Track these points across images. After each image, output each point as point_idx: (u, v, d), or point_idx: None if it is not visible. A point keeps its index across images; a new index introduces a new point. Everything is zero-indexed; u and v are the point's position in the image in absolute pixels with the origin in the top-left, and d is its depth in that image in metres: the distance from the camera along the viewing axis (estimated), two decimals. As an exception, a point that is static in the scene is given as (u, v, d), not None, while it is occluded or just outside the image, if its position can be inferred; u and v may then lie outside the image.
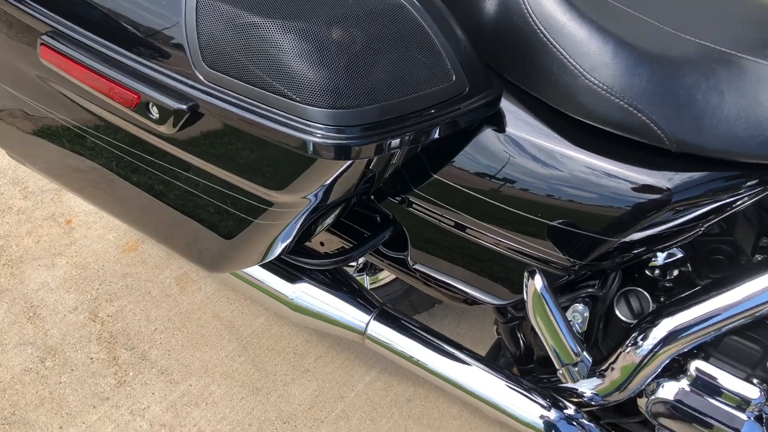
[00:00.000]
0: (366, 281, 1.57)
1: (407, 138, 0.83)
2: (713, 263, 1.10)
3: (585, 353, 1.04)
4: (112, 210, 1.22)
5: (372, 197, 1.12)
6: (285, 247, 1.05)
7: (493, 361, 1.26)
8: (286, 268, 1.22)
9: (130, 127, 0.97)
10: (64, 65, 0.90)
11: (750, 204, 1.15)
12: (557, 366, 1.05)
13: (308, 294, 1.20)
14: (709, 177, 0.89)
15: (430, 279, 1.15)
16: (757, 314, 0.99)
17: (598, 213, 0.93)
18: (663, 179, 0.89)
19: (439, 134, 0.87)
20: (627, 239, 0.94)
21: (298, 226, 1.01)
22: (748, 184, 0.89)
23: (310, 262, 1.15)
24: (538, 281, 0.97)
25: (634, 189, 0.90)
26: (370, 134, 0.80)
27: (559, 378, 1.14)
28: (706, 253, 1.11)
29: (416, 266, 1.14)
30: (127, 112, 0.88)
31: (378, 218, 1.18)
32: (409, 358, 1.17)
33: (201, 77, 0.82)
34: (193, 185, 0.98)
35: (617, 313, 1.12)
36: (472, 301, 1.17)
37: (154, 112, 0.86)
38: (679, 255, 1.09)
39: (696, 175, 0.89)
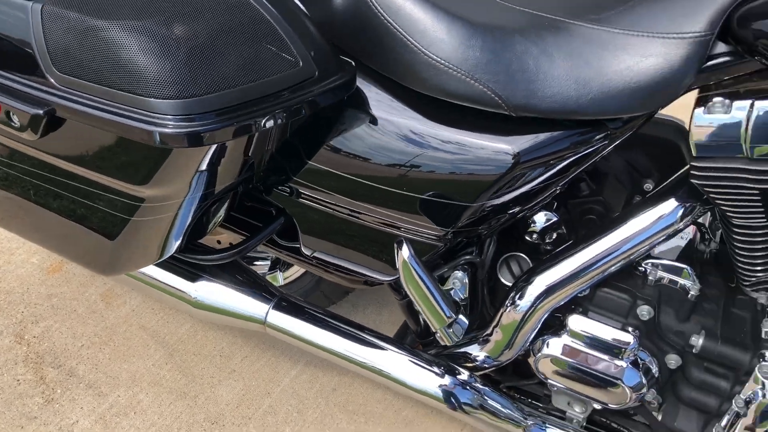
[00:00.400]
0: (279, 277, 1.61)
1: (261, 121, 0.88)
2: (586, 223, 1.16)
3: (461, 316, 1.09)
4: (11, 227, 1.24)
5: (261, 189, 1.16)
6: (178, 244, 1.08)
7: (399, 339, 1.31)
8: (185, 267, 1.25)
9: (3, 140, 0.99)
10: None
11: (620, 163, 1.22)
12: (433, 329, 1.10)
13: (208, 290, 1.24)
14: (551, 137, 0.95)
15: (325, 263, 1.20)
16: (620, 264, 1.05)
17: (455, 181, 0.98)
18: (508, 143, 0.95)
19: (294, 116, 0.91)
20: (488, 204, 0.99)
21: (185, 222, 1.04)
22: (589, 140, 0.95)
23: (205, 258, 1.19)
24: (405, 251, 1.01)
25: (483, 155, 0.96)
26: (221, 119, 0.84)
27: (452, 345, 1.19)
28: (579, 214, 1.17)
29: (309, 252, 1.18)
30: (-7, 123, 0.92)
31: (269, 209, 1.22)
32: (311, 342, 1.21)
33: (53, 82, 0.86)
34: (70, 190, 1.01)
35: (500, 278, 1.18)
36: (370, 282, 1.22)
37: (16, 120, 0.89)
38: (554, 218, 1.15)
39: (538, 136, 0.95)
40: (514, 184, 0.98)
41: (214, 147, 0.92)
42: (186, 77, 0.82)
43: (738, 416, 1.03)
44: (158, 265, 1.26)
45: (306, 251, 1.19)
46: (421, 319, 1.27)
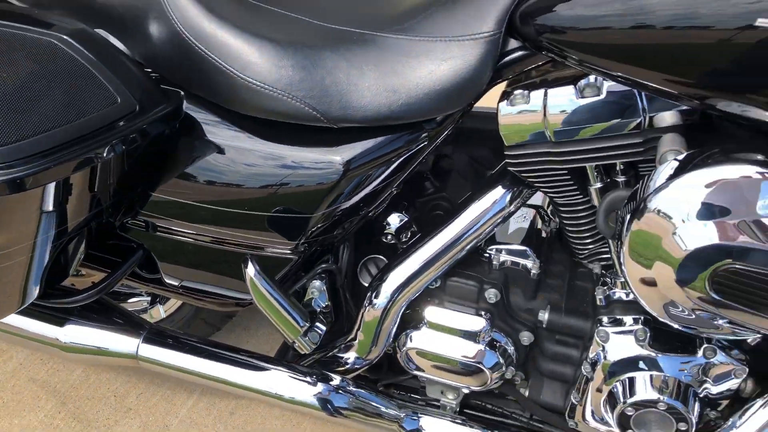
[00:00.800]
0: (161, 310, 1.61)
1: (84, 158, 0.89)
2: (434, 218, 1.22)
3: (317, 323, 1.13)
4: None
5: (115, 225, 1.17)
6: (38, 288, 1.08)
7: (280, 357, 1.33)
8: (51, 312, 1.24)
9: None
10: None
11: (463, 158, 1.29)
12: (289, 341, 1.13)
13: (77, 333, 1.23)
14: (375, 143, 1.00)
15: (189, 291, 1.22)
16: (463, 252, 1.11)
17: (293, 195, 1.02)
18: (334, 154, 0.99)
19: (121, 149, 0.93)
20: (328, 212, 1.04)
21: (41, 264, 1.04)
22: (410, 142, 1.01)
23: (68, 300, 1.18)
24: (250, 268, 1.05)
25: (314, 168, 1.00)
26: (39, 162, 0.86)
27: (332, 353, 1.23)
28: (428, 211, 1.23)
29: (171, 282, 1.20)
30: None
31: (129, 244, 1.22)
32: (187, 370, 1.22)
33: None
34: None
35: (361, 281, 1.23)
36: (240, 303, 1.24)
37: None
38: (406, 218, 1.20)
39: (362, 144, 1.00)
40: (349, 191, 1.03)
41: (52, 187, 0.93)
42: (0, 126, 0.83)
43: (588, 380, 1.11)
44: (24, 313, 1.25)
45: (169, 281, 1.20)
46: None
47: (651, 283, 0.89)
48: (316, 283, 1.17)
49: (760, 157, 0.83)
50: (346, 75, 0.96)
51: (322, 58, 0.96)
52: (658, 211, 0.83)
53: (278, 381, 1.20)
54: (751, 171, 0.81)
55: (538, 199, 1.23)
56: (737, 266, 0.82)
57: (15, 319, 1.26)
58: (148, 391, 1.66)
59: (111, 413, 1.62)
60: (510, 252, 1.16)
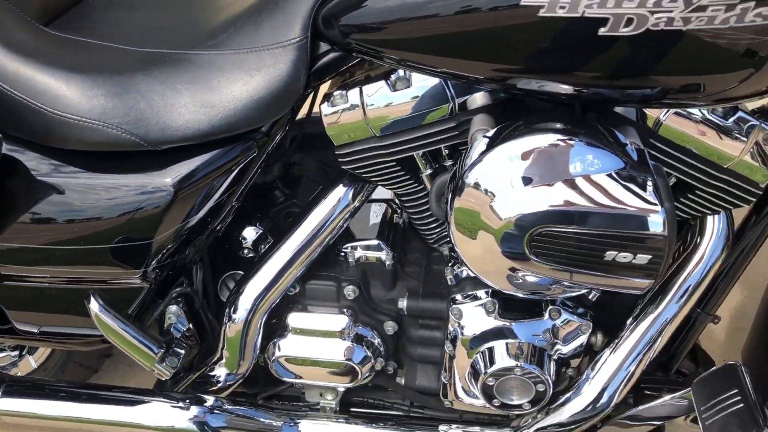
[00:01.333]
0: (31, 361, 1.54)
1: None
2: (289, 226, 1.24)
3: (174, 347, 1.12)
4: None
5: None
6: None
7: (158, 387, 1.31)
8: None
9: None
10: None
11: (312, 164, 1.31)
12: (147, 368, 1.12)
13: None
14: (204, 160, 1.00)
15: (47, 335, 1.18)
16: (315, 253, 1.13)
17: (129, 222, 1.01)
18: (162, 176, 0.99)
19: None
20: (166, 235, 1.03)
21: None
22: (240, 154, 1.02)
23: None
24: (93, 304, 1.03)
25: (145, 192, 0.99)
26: None
27: (204, 374, 1.22)
28: (282, 219, 1.25)
29: (27, 329, 1.16)
30: None
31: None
32: (53, 417, 1.19)
33: None
34: None
35: (222, 298, 1.23)
36: (104, 340, 1.21)
37: None
38: (261, 230, 1.21)
39: (190, 162, 0.99)
40: (186, 211, 1.02)
41: None
42: None
43: (452, 358, 1.15)
44: None
45: (24, 329, 1.16)
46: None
47: (480, 256, 0.93)
48: (173, 308, 1.16)
49: (559, 125, 0.89)
50: (161, 96, 0.95)
51: (134, 83, 0.95)
52: (474, 185, 0.88)
53: (153, 412, 1.18)
54: (552, 139, 0.87)
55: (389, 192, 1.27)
56: (549, 229, 0.87)
57: None
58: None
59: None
60: (364, 247, 1.19)
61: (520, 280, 0.95)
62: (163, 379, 1.15)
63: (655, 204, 0.84)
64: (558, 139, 0.87)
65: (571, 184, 0.85)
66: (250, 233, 1.21)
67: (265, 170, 1.19)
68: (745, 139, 0.92)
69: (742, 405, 0.94)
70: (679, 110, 0.92)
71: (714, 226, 1.06)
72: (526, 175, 0.87)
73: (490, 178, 0.88)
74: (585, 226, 0.86)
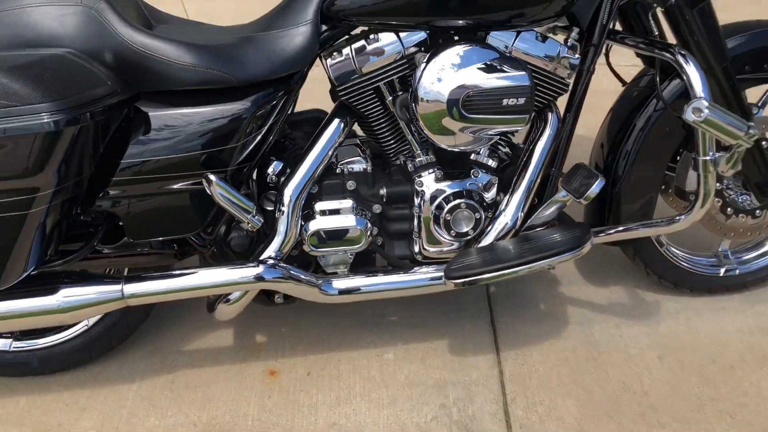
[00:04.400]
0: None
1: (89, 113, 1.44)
2: (305, 154, 1.89)
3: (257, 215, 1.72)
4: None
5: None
6: (53, 247, 1.55)
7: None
8: (35, 287, 1.63)
9: None
10: None
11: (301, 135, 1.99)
12: (246, 219, 1.70)
13: (67, 295, 1.63)
14: (262, 94, 1.67)
15: (149, 245, 1.73)
16: (323, 166, 1.81)
17: (220, 136, 1.64)
18: (243, 104, 1.64)
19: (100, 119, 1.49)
20: (245, 142, 1.67)
21: (53, 221, 1.51)
22: (285, 88, 1.70)
23: (64, 261, 1.62)
24: (211, 179, 1.61)
25: (231, 114, 1.64)
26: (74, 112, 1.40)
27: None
28: (294, 154, 1.90)
29: (134, 239, 1.70)
30: None
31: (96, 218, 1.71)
32: (168, 291, 1.69)
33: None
34: None
35: (263, 206, 1.84)
36: (181, 251, 1.77)
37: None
38: (281, 164, 1.86)
39: (258, 94, 1.67)
40: (257, 125, 1.68)
41: (69, 137, 1.45)
42: None
43: (419, 216, 1.84)
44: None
45: (132, 239, 1.70)
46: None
47: (439, 127, 1.67)
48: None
49: (466, 42, 1.68)
50: (241, 50, 1.64)
51: (223, 42, 1.64)
52: (426, 86, 1.64)
53: (235, 273, 1.72)
54: (458, 50, 1.66)
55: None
56: (470, 93, 1.64)
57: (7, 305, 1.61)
58: (96, 388, 1.97)
59: (66, 417, 1.90)
60: (352, 162, 1.88)
61: (463, 138, 1.70)
62: (251, 228, 1.72)
63: (522, 71, 1.65)
64: (463, 49, 1.66)
65: (475, 68, 1.63)
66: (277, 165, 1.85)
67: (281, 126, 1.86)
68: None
69: (585, 170, 1.74)
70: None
71: (550, 116, 1.88)
72: (450, 72, 1.64)
73: (431, 79, 1.64)
74: (488, 87, 1.64)
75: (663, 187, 2.10)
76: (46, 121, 1.37)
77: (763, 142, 2.01)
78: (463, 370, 2.01)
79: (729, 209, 2.10)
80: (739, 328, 2.16)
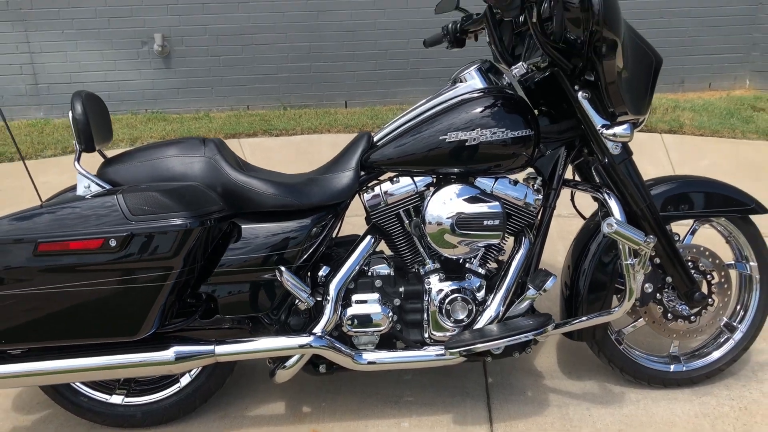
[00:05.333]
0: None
1: (212, 219, 2.23)
2: (344, 260, 2.63)
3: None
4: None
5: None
6: (172, 311, 2.25)
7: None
8: (152, 344, 2.32)
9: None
10: None
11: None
12: (303, 300, 2.39)
13: (178, 351, 2.32)
14: (318, 215, 2.45)
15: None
16: (357, 269, 2.55)
17: (287, 245, 2.40)
18: (305, 221, 2.42)
19: (209, 224, 2.27)
20: (304, 248, 2.42)
21: (174, 291, 2.24)
22: (333, 214, 2.48)
23: (179, 324, 2.32)
24: (284, 271, 2.34)
25: (294, 228, 2.41)
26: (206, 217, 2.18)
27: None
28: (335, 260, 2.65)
29: (227, 316, 2.42)
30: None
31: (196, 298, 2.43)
32: (247, 352, 2.36)
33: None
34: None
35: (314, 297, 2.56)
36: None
37: (113, 243, 2.08)
38: (328, 268, 2.60)
39: (314, 216, 2.45)
40: (314, 238, 2.44)
41: (197, 236, 2.22)
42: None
43: (428, 308, 2.52)
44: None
45: (223, 315, 2.41)
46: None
47: (442, 242, 2.42)
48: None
49: (460, 183, 2.46)
50: (304, 186, 2.44)
51: (293, 181, 2.44)
52: (430, 215, 2.41)
53: (294, 341, 2.39)
54: (456, 187, 2.44)
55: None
56: (462, 217, 2.39)
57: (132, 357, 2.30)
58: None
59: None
60: (379, 268, 2.60)
61: (459, 249, 2.43)
62: (303, 307, 2.41)
63: (497, 202, 2.40)
64: (456, 188, 2.44)
65: (465, 201, 2.40)
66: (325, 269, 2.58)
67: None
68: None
69: (544, 272, 2.43)
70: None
71: (524, 239, 2.61)
72: (448, 203, 2.41)
73: (437, 208, 2.41)
74: (473, 213, 2.39)
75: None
76: (184, 222, 2.15)
77: (689, 262, 2.68)
78: (462, 434, 2.57)
79: (669, 315, 2.72)
80: (686, 413, 2.69)
